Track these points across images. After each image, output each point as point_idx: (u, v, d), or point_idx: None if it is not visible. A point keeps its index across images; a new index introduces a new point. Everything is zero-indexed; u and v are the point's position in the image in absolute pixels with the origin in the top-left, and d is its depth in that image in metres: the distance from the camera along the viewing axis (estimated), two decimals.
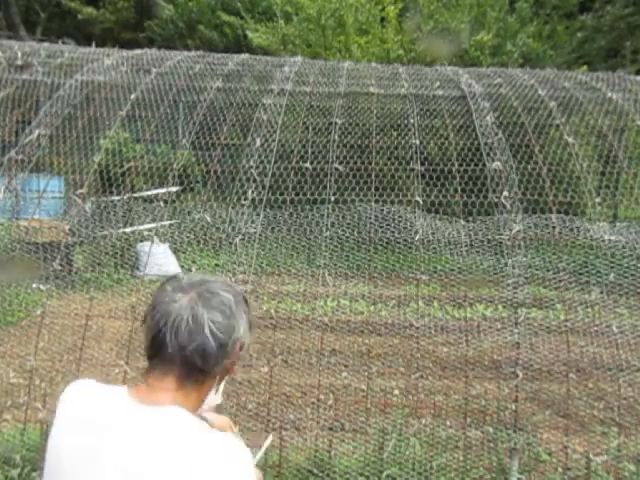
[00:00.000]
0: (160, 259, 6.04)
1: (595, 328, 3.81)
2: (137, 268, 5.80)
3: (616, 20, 11.63)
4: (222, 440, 1.12)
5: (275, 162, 3.82)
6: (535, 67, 6.01)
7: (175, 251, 6.16)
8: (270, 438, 1.66)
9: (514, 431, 3.16)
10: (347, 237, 4.39)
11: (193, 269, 4.86)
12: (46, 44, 5.03)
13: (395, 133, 4.40)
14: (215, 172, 4.02)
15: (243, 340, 1.22)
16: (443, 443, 3.30)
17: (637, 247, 3.90)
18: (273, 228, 4.59)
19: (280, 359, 4.38)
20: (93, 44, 5.30)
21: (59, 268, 3.34)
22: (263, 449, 1.57)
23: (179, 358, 1.14)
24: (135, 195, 5.11)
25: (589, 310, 4.15)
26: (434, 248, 4.56)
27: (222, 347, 1.16)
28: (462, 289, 4.84)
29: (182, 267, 6.12)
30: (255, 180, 3.57)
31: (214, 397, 1.30)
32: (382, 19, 11.04)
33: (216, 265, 5.77)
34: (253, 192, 3.58)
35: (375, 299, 5.10)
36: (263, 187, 3.77)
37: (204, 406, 1.24)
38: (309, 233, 4.31)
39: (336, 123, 4.05)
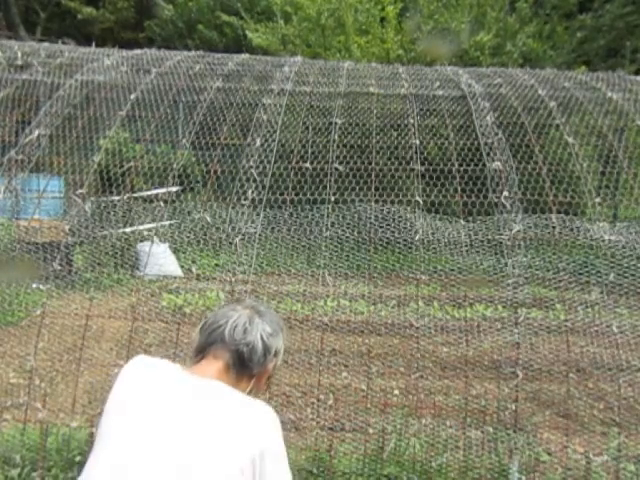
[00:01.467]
0: (160, 259, 6.04)
1: (595, 328, 3.81)
2: (137, 268, 5.80)
3: (615, 20, 11.63)
4: (261, 405, 1.35)
5: (275, 162, 3.82)
6: (535, 67, 6.01)
7: (175, 251, 6.15)
8: None
9: (514, 431, 3.16)
10: (347, 237, 4.39)
11: (193, 269, 4.87)
12: (46, 44, 5.03)
13: (395, 133, 4.39)
14: (215, 172, 4.02)
15: (278, 358, 1.51)
16: (443, 443, 3.30)
17: (637, 247, 3.90)
18: (273, 228, 4.59)
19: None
20: (93, 44, 5.30)
21: (59, 268, 3.34)
22: None
23: (233, 347, 1.41)
24: (135, 195, 5.10)
25: (589, 310, 4.14)
26: (434, 248, 4.56)
27: (266, 352, 1.45)
28: (462, 289, 4.84)
29: (182, 267, 6.12)
30: (255, 180, 3.57)
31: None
32: (382, 19, 11.04)
33: (216, 265, 5.77)
34: (253, 192, 3.58)
35: (375, 299, 5.10)
36: (263, 187, 3.77)
37: None
38: (309, 233, 4.31)
39: (336, 123, 4.05)
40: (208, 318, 1.51)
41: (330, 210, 3.86)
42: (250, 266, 3.63)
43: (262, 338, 1.44)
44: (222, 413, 1.29)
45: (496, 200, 3.41)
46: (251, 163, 3.60)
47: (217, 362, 1.41)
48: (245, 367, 1.42)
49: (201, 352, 1.45)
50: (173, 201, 4.57)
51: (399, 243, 4.26)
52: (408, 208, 4.06)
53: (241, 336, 1.42)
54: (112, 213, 4.67)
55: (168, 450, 1.23)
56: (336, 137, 3.93)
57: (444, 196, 4.08)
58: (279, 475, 1.30)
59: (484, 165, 3.61)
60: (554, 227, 3.75)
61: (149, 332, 4.98)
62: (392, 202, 4.20)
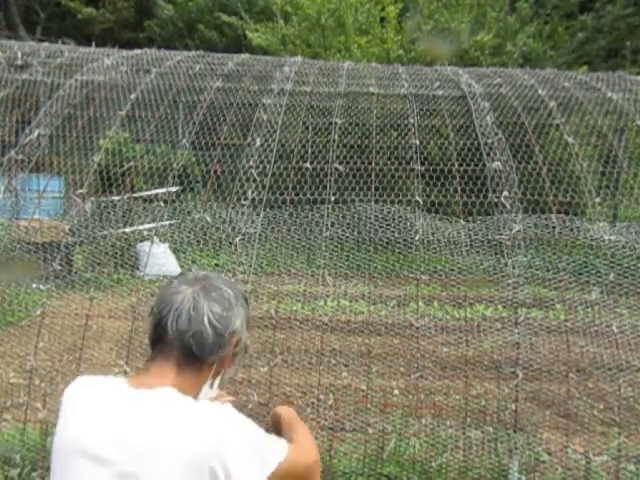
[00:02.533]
0: (160, 259, 6.04)
1: (595, 328, 3.81)
2: (137, 268, 5.80)
3: (616, 20, 11.63)
4: (206, 406, 1.20)
5: (275, 162, 3.82)
6: (535, 67, 6.01)
7: (175, 251, 6.15)
8: None
9: (514, 431, 3.16)
10: (347, 237, 4.39)
11: (193, 269, 4.87)
12: (46, 44, 5.03)
13: (395, 133, 4.40)
14: (215, 172, 4.02)
15: (240, 335, 1.30)
16: (443, 443, 3.30)
17: (637, 247, 3.90)
18: (273, 228, 4.59)
19: (280, 359, 4.38)
20: (93, 44, 5.30)
21: (59, 268, 3.34)
22: None
23: (178, 343, 1.22)
24: (135, 195, 5.10)
25: (589, 310, 4.14)
26: (434, 248, 4.56)
27: (219, 337, 1.24)
28: (462, 289, 4.84)
29: (182, 267, 6.12)
30: (255, 180, 3.57)
31: (209, 391, 1.34)
32: (382, 19, 11.04)
33: (216, 265, 5.77)
34: (253, 192, 3.58)
35: (375, 299, 5.10)
36: (263, 187, 3.77)
37: (199, 398, 1.28)
38: (309, 233, 4.31)
39: (336, 123, 4.05)
40: (152, 306, 1.29)
41: (330, 210, 3.85)
42: (250, 266, 3.63)
43: (211, 323, 1.23)
44: (167, 431, 1.14)
45: (496, 200, 3.41)
46: (251, 163, 3.60)
47: (167, 363, 1.23)
48: (198, 359, 1.24)
49: (152, 347, 1.27)
50: (173, 201, 4.57)
51: (399, 243, 4.26)
52: (408, 208, 4.06)
53: (185, 327, 1.22)
54: (112, 213, 4.67)
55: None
56: (336, 137, 3.93)
57: (444, 196, 4.08)
58: (249, 474, 1.16)
59: (484, 165, 3.61)
60: (554, 227, 3.75)
61: None
62: (392, 202, 4.20)
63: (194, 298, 1.24)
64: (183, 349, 1.23)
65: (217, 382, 1.35)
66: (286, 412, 1.50)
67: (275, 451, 1.23)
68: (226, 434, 1.16)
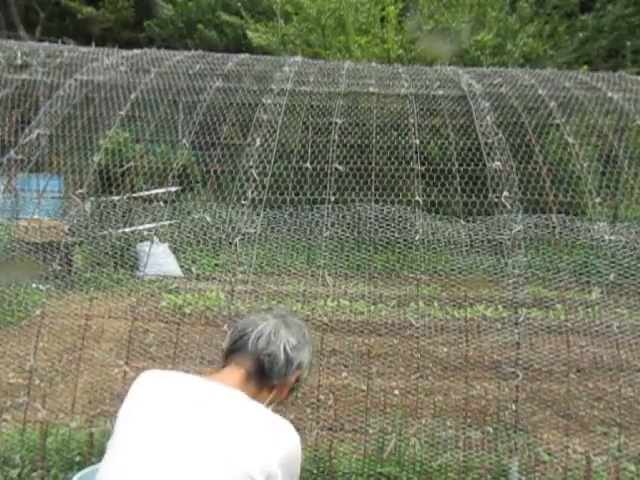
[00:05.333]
0: (160, 259, 6.04)
1: (595, 328, 3.81)
2: (137, 268, 5.79)
3: (617, 20, 11.62)
4: (285, 422, 1.34)
5: (275, 162, 3.81)
6: (535, 67, 6.00)
7: (175, 251, 6.15)
8: None
9: (514, 431, 3.15)
10: (347, 237, 4.39)
11: (193, 269, 4.86)
12: (46, 44, 5.03)
13: (395, 133, 4.39)
14: (215, 172, 4.02)
15: (303, 372, 1.51)
16: (443, 443, 3.30)
17: (637, 247, 3.89)
18: (273, 228, 4.59)
19: None
20: (93, 44, 5.29)
21: (59, 268, 3.33)
22: None
23: (254, 357, 1.42)
24: (135, 195, 5.10)
25: (589, 310, 4.14)
26: (434, 248, 4.56)
27: (288, 364, 1.44)
28: (462, 289, 4.84)
29: (182, 267, 6.11)
30: (255, 180, 3.56)
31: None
32: (382, 19, 11.03)
33: (216, 265, 5.77)
34: (253, 192, 3.57)
35: (375, 299, 5.10)
36: (263, 187, 3.76)
37: None
38: (309, 233, 4.31)
39: (336, 123, 4.04)
40: (237, 324, 1.52)
41: (330, 210, 3.85)
42: (250, 266, 3.63)
43: (285, 349, 1.43)
44: (241, 421, 1.29)
45: (496, 200, 3.41)
46: (251, 163, 3.59)
47: (238, 370, 1.41)
48: (265, 377, 1.42)
49: (226, 358, 1.46)
50: (173, 201, 4.57)
51: (399, 243, 4.25)
52: (408, 208, 4.06)
53: (264, 346, 1.42)
54: (112, 213, 4.67)
55: (181, 454, 1.23)
56: (336, 137, 3.93)
57: (444, 196, 4.08)
58: None
59: (484, 165, 3.61)
60: (554, 227, 3.75)
61: (149, 332, 4.98)
62: (392, 202, 4.20)
63: (276, 327, 1.46)
64: (257, 364, 1.41)
65: (270, 408, 1.46)
66: None
67: None
68: (289, 452, 1.29)
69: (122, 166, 4.57)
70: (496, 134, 3.70)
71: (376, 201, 4.02)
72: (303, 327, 1.53)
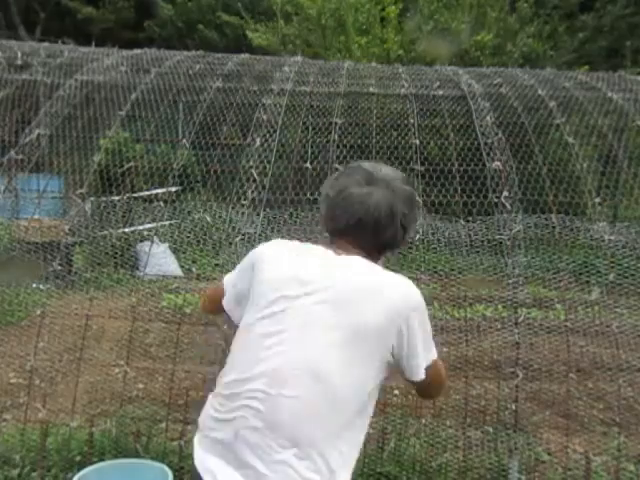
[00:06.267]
0: (160, 259, 6.04)
1: (595, 328, 3.81)
2: (137, 268, 5.79)
3: (617, 20, 11.62)
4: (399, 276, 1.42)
5: (275, 162, 3.81)
6: (535, 67, 6.00)
7: (175, 251, 6.15)
8: None
9: (514, 431, 3.15)
10: None
11: (193, 269, 4.86)
12: (46, 44, 5.02)
13: (395, 133, 4.39)
14: (215, 172, 4.02)
15: (412, 231, 1.59)
16: (443, 443, 3.30)
17: (637, 247, 3.90)
18: (273, 228, 4.59)
19: None
20: (93, 44, 5.29)
21: (59, 268, 3.34)
22: None
23: (372, 239, 1.44)
24: (135, 195, 5.10)
25: (589, 310, 4.14)
26: (434, 248, 4.56)
27: (404, 234, 1.47)
28: (462, 289, 4.84)
29: (182, 267, 6.11)
30: (255, 180, 3.56)
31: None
32: (382, 19, 11.03)
33: (216, 265, 5.76)
34: (253, 192, 3.58)
35: None
36: (263, 187, 3.76)
37: None
38: (309, 233, 4.30)
39: (336, 123, 4.04)
40: (339, 192, 1.46)
41: None
42: None
43: (402, 225, 1.44)
44: (372, 277, 1.38)
45: (496, 200, 3.41)
46: (251, 163, 3.59)
47: (355, 246, 1.44)
48: (386, 249, 1.48)
49: (334, 235, 1.48)
50: (173, 201, 4.57)
51: None
52: None
53: (382, 229, 1.43)
54: (112, 213, 4.67)
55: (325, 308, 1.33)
56: (336, 137, 3.93)
57: (444, 196, 4.07)
58: (423, 341, 1.39)
59: (484, 165, 3.61)
60: (554, 227, 3.75)
61: (149, 332, 4.98)
62: None
63: (388, 200, 1.42)
64: (375, 245, 1.45)
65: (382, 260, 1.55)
66: None
67: (434, 348, 1.47)
68: (420, 303, 1.39)
69: (122, 166, 4.57)
70: (496, 134, 3.71)
71: None
72: (408, 185, 1.49)
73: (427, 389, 1.55)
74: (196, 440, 1.45)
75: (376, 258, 1.47)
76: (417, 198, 1.57)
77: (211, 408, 1.42)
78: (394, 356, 1.36)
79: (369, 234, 1.42)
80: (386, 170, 1.49)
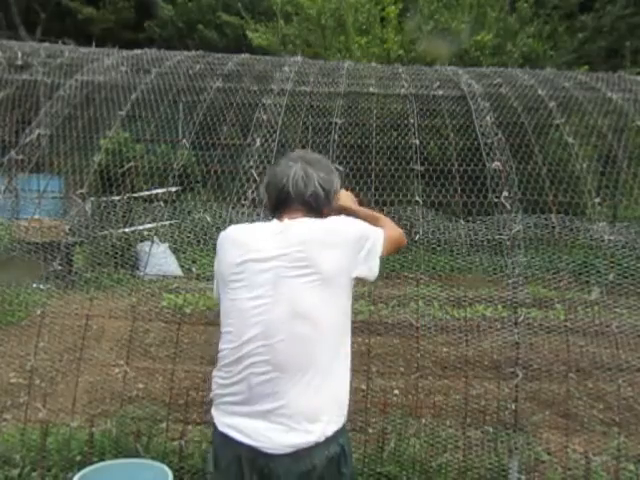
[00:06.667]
0: (160, 259, 6.04)
1: (595, 328, 3.81)
2: (137, 268, 5.80)
3: (616, 20, 11.62)
4: (328, 218, 1.73)
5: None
6: (535, 67, 6.00)
7: (175, 251, 6.15)
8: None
9: (514, 431, 3.16)
10: None
11: (193, 269, 4.87)
12: (46, 44, 5.02)
13: (395, 133, 4.39)
14: (215, 172, 4.02)
15: (337, 188, 1.83)
16: (443, 443, 3.30)
17: (637, 247, 3.90)
18: None
19: None
20: (93, 44, 5.29)
21: (59, 268, 3.34)
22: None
23: (300, 201, 1.73)
24: (135, 195, 5.10)
25: (589, 310, 4.14)
26: (434, 248, 4.56)
27: (327, 193, 1.76)
28: (462, 289, 4.84)
29: (182, 267, 6.11)
30: (255, 180, 3.57)
31: None
32: (382, 19, 11.04)
33: None
34: (253, 192, 3.58)
35: (375, 299, 5.10)
36: None
37: None
38: None
39: (336, 123, 4.05)
40: (269, 177, 1.79)
41: None
42: None
43: (321, 185, 1.73)
44: (314, 226, 1.67)
45: (496, 200, 3.41)
46: (251, 163, 3.59)
47: (295, 213, 1.71)
48: (316, 211, 1.73)
49: (277, 210, 1.75)
50: (173, 201, 4.57)
51: None
52: (408, 208, 4.06)
53: (303, 189, 1.71)
54: (112, 213, 4.67)
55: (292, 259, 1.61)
56: (336, 137, 3.93)
57: (444, 196, 4.07)
58: (371, 247, 1.70)
59: (484, 165, 3.61)
60: (554, 227, 3.75)
61: (149, 332, 4.99)
62: (392, 202, 4.20)
63: (303, 168, 1.73)
64: (305, 205, 1.73)
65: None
66: (358, 208, 2.02)
67: (379, 237, 1.74)
68: (355, 229, 1.70)
69: (122, 166, 4.57)
70: (496, 134, 3.71)
71: (376, 201, 4.02)
72: (322, 158, 1.81)
73: (391, 251, 1.87)
74: (213, 411, 1.68)
75: (318, 216, 1.73)
76: (334, 167, 1.84)
77: (219, 379, 1.66)
78: (357, 276, 1.68)
79: (295, 197, 1.71)
80: (306, 152, 1.84)
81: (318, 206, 1.74)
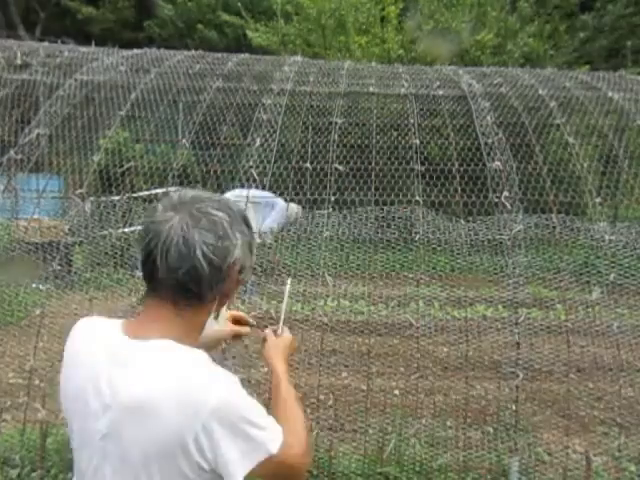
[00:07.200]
0: None
1: (595, 328, 3.80)
2: (137, 268, 5.78)
3: (617, 20, 11.62)
4: (204, 370, 1.08)
5: (275, 162, 3.81)
6: (536, 67, 6.00)
7: None
8: (289, 282, 1.60)
9: (514, 431, 3.15)
10: (347, 237, 4.38)
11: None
12: (45, 44, 5.02)
13: (395, 133, 4.39)
14: (215, 172, 4.02)
15: (242, 262, 1.15)
16: (443, 443, 3.30)
17: (637, 247, 3.89)
18: None
19: None
20: (93, 44, 5.29)
21: (59, 268, 3.33)
22: (286, 296, 1.57)
23: (171, 282, 1.08)
24: (135, 195, 5.09)
25: (589, 310, 4.14)
26: (434, 248, 4.55)
27: (216, 270, 1.09)
28: (462, 289, 4.84)
29: None
30: (255, 180, 3.56)
31: (214, 323, 1.27)
32: (382, 19, 11.03)
33: None
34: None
35: (375, 299, 5.09)
36: (263, 187, 3.76)
37: (204, 333, 1.20)
38: (309, 233, 4.30)
39: (336, 123, 4.04)
40: (140, 229, 1.16)
41: (330, 210, 3.85)
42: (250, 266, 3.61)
43: (205, 255, 1.07)
44: (156, 391, 1.04)
45: (496, 200, 3.41)
46: (251, 163, 3.59)
47: (164, 304, 1.11)
48: (197, 297, 1.11)
49: (146, 281, 1.13)
50: None
51: (399, 243, 4.25)
52: (408, 208, 4.05)
53: (177, 263, 1.06)
54: (112, 213, 4.66)
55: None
56: (336, 137, 3.93)
57: (444, 196, 4.07)
58: (241, 444, 1.04)
59: (484, 165, 3.61)
60: (554, 227, 3.74)
61: None
62: (392, 202, 4.19)
63: (182, 229, 1.07)
64: (178, 287, 1.09)
65: (223, 312, 1.26)
66: (281, 375, 1.34)
67: (270, 440, 1.09)
68: (220, 403, 1.03)
69: (122, 166, 4.56)
70: (496, 134, 3.70)
71: (376, 201, 4.02)
72: (218, 210, 1.11)
73: None
74: None
75: (198, 310, 1.13)
76: (239, 225, 1.14)
77: None
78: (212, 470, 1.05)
79: (164, 275, 1.08)
80: (198, 195, 1.15)
81: (200, 291, 1.10)
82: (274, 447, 1.09)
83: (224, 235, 1.10)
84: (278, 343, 1.45)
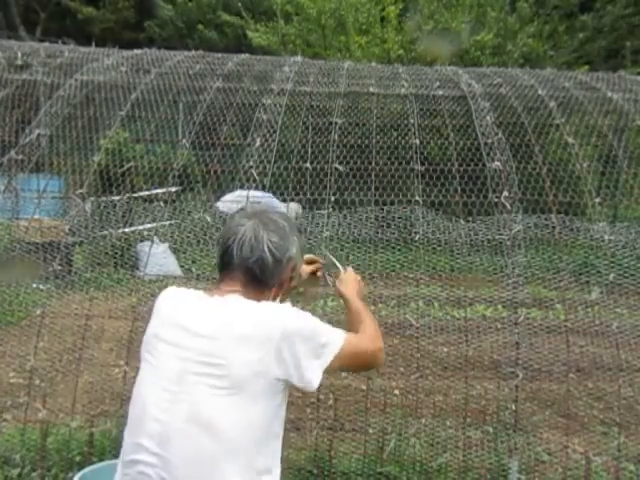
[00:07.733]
0: (160, 259, 6.02)
1: (595, 328, 3.81)
2: (137, 268, 5.79)
3: (617, 20, 11.63)
4: (269, 303, 1.45)
5: (275, 162, 3.81)
6: (535, 67, 6.00)
7: (175, 251, 6.14)
8: (329, 255, 1.99)
9: (514, 431, 3.16)
10: (347, 237, 4.39)
11: (193, 269, 4.86)
12: (46, 44, 5.02)
13: (395, 133, 4.39)
14: (215, 172, 4.02)
15: (295, 261, 1.52)
16: (443, 443, 3.30)
17: (637, 247, 3.90)
18: None
19: None
20: (93, 44, 5.29)
21: (59, 268, 3.34)
22: (336, 262, 1.94)
23: (243, 268, 1.44)
24: (135, 195, 5.10)
25: (589, 310, 4.14)
26: (434, 248, 4.56)
27: (277, 262, 1.45)
28: (462, 289, 4.84)
29: (182, 267, 6.10)
30: (255, 180, 3.56)
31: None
32: (382, 19, 11.04)
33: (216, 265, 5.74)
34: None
35: (375, 299, 5.10)
36: (263, 187, 3.76)
37: None
38: (309, 233, 4.31)
39: (336, 123, 4.04)
40: (220, 234, 1.55)
41: (330, 210, 3.85)
42: None
43: (270, 251, 1.43)
44: (238, 313, 1.37)
45: (496, 200, 3.41)
46: (251, 163, 3.59)
47: (234, 283, 1.45)
48: (261, 282, 1.45)
49: (220, 273, 1.50)
50: (173, 201, 4.57)
51: (399, 243, 4.26)
52: (408, 208, 4.06)
53: (248, 254, 1.43)
54: (112, 213, 4.67)
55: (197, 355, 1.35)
56: (336, 137, 3.93)
57: (444, 196, 4.07)
58: (311, 349, 1.38)
59: (484, 165, 3.61)
60: (554, 227, 3.75)
61: None
62: (392, 202, 4.20)
63: (254, 230, 1.44)
64: (248, 273, 1.44)
65: (287, 303, 1.55)
66: (354, 300, 1.71)
67: (333, 342, 1.44)
68: (289, 322, 1.37)
69: (122, 166, 4.57)
70: (496, 134, 3.71)
71: (376, 201, 4.02)
72: (281, 219, 1.50)
73: (353, 368, 1.74)
74: None
75: (259, 294, 1.45)
76: (295, 232, 1.53)
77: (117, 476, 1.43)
78: (287, 380, 1.37)
79: (238, 263, 1.44)
80: (266, 209, 1.58)
81: (264, 277, 1.44)
82: (340, 342, 1.46)
83: (285, 236, 1.48)
84: (347, 277, 1.82)
